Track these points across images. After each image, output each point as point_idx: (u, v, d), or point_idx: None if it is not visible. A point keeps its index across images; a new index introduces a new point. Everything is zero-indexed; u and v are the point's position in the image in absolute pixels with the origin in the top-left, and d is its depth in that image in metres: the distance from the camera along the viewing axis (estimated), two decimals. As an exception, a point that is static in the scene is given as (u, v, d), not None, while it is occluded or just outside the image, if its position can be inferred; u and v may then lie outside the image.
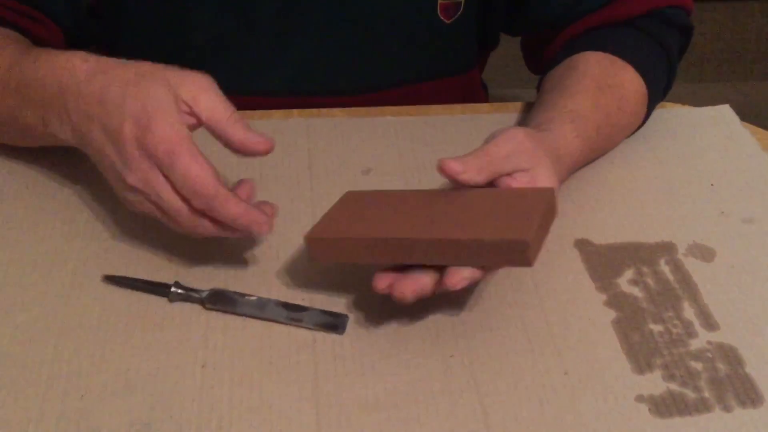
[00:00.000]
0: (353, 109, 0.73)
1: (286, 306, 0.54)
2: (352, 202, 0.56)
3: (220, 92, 0.54)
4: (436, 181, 0.65)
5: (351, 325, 0.54)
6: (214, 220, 0.52)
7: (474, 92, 0.81)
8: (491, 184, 0.54)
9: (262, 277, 0.57)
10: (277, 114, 0.72)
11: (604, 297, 0.56)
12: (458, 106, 0.74)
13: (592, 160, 0.66)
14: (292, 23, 0.70)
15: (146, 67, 0.54)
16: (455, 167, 0.52)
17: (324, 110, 0.73)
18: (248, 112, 0.72)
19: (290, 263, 0.58)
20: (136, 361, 0.51)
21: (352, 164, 0.67)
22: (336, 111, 0.73)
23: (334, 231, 0.52)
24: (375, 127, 0.71)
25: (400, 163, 0.67)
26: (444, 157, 0.53)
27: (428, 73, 0.76)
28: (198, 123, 0.53)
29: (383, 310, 0.55)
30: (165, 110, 0.51)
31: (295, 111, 0.72)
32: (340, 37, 0.71)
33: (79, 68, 0.55)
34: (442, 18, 0.72)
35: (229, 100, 0.73)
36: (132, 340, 0.52)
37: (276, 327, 0.54)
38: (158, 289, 0.55)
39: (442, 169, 0.52)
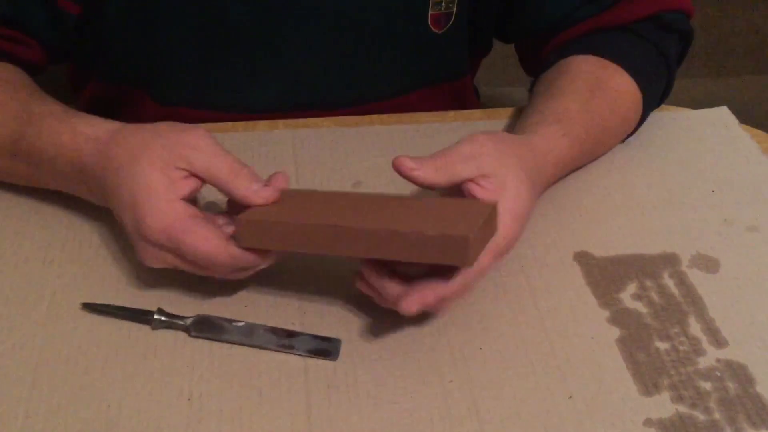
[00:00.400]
0: (341, 118, 0.70)
1: (276, 332, 0.52)
2: (289, 196, 0.53)
3: (214, 145, 0.51)
4: (428, 193, 0.63)
5: (344, 350, 0.51)
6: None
7: (466, 98, 0.79)
8: (454, 189, 0.52)
9: (250, 301, 0.54)
10: (261, 125, 0.69)
11: (606, 313, 0.54)
12: (450, 113, 0.71)
13: (583, 164, 0.64)
14: (278, 37, 0.68)
15: (138, 140, 0.52)
16: (409, 163, 0.51)
17: (311, 120, 0.70)
18: (230, 124, 0.69)
19: (279, 285, 0.55)
20: (117, 395, 0.48)
21: (340, 177, 0.65)
22: (323, 121, 0.70)
23: (268, 215, 0.50)
24: (364, 138, 0.69)
25: (391, 174, 0.65)
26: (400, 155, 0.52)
27: (420, 83, 0.74)
28: (201, 183, 0.52)
29: (378, 333, 0.52)
30: (154, 196, 0.50)
31: (280, 122, 0.70)
32: (330, 49, 0.69)
33: (84, 151, 0.54)
34: (433, 29, 0.69)
35: (214, 117, 0.71)
36: (113, 373, 0.50)
37: (265, 354, 0.51)
38: (140, 316, 0.52)
39: (396, 166, 0.52)
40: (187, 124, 0.53)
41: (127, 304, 0.53)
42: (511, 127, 0.69)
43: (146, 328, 0.52)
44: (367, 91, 0.72)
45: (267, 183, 0.52)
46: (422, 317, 0.52)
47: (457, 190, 0.53)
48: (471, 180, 0.52)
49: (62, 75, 0.81)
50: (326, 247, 0.49)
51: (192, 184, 0.51)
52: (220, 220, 0.52)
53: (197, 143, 0.51)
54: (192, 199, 0.52)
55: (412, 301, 0.47)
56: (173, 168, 0.50)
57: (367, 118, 0.71)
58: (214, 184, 0.51)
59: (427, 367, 0.50)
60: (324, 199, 0.54)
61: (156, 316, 0.52)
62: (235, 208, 0.52)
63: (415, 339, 0.52)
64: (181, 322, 0.52)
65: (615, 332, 0.53)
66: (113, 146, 0.53)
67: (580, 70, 0.65)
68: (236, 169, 0.51)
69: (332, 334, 0.52)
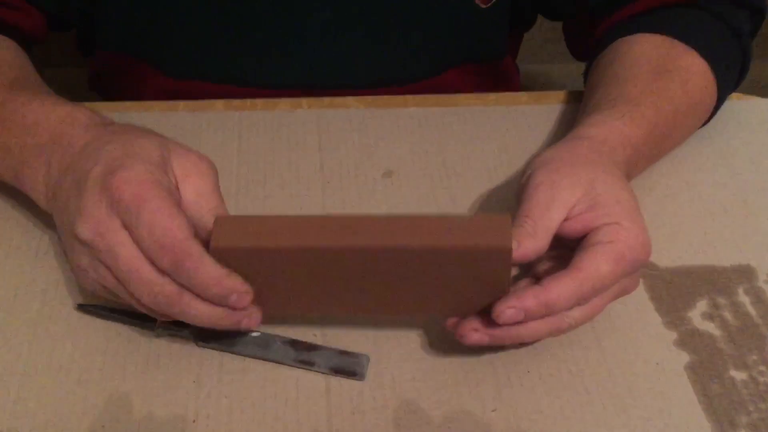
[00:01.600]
0: (371, 98, 0.63)
1: (295, 345, 0.45)
2: (265, 221, 0.42)
3: (216, 183, 0.44)
4: (469, 185, 0.56)
5: (372, 368, 0.45)
6: (182, 290, 0.41)
7: (508, 79, 0.71)
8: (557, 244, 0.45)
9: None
10: (283, 104, 0.62)
11: (674, 335, 0.47)
12: (492, 96, 0.64)
13: (659, 153, 0.56)
14: (304, 5, 0.60)
15: (149, 133, 0.46)
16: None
17: (338, 100, 0.63)
18: (248, 101, 0.62)
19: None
20: (112, 412, 0.42)
21: (370, 165, 0.58)
22: (351, 101, 0.63)
23: (250, 237, 0.41)
24: (396, 121, 0.61)
25: (426, 163, 0.58)
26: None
27: (458, 61, 0.66)
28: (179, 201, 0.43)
29: (411, 349, 0.46)
30: (144, 157, 0.42)
31: (304, 101, 0.63)
32: (361, 22, 0.62)
33: (79, 120, 0.47)
34: (480, 3, 0.62)
35: (229, 92, 0.63)
36: (109, 385, 0.44)
37: (282, 371, 0.45)
38: (142, 321, 0.46)
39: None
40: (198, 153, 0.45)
41: (128, 307, 0.47)
42: (563, 113, 0.62)
43: (148, 334, 0.46)
44: (400, 69, 0.65)
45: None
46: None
47: (559, 243, 0.45)
48: (567, 219, 0.44)
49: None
50: (326, 281, 0.41)
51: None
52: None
53: (202, 168, 0.45)
54: None
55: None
56: (169, 168, 0.44)
57: (400, 99, 0.63)
58: (192, 214, 0.43)
59: (466, 393, 0.44)
60: (312, 221, 0.42)
61: (160, 322, 0.46)
62: None
63: (454, 359, 0.45)
64: (187, 330, 0.46)
65: (684, 358, 0.46)
66: (110, 133, 0.46)
67: (644, 51, 0.57)
68: (209, 212, 0.44)
69: (359, 350, 0.45)
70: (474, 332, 0.42)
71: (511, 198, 0.54)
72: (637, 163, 0.51)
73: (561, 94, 0.64)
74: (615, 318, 0.48)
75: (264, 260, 0.41)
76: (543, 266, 0.46)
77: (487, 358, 0.45)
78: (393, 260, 0.41)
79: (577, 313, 0.43)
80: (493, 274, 0.41)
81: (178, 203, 0.42)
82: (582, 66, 0.63)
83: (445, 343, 0.46)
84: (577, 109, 0.62)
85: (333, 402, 0.43)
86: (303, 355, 0.45)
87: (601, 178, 0.45)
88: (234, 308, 0.41)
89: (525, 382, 0.44)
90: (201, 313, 0.41)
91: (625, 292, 0.45)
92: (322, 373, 0.45)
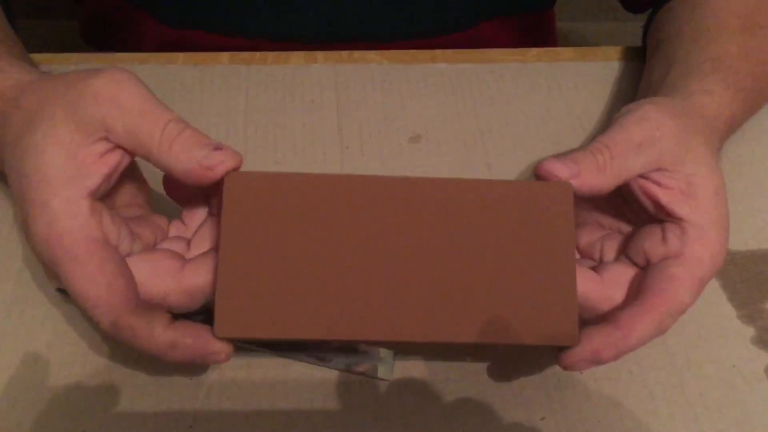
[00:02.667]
0: (396, 52, 0.56)
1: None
2: (256, 218, 0.34)
3: (141, 95, 0.34)
4: (507, 151, 0.49)
5: (398, 367, 0.38)
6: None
7: (549, 34, 0.63)
8: (623, 193, 0.37)
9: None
10: (295, 57, 0.55)
11: (751, 331, 0.40)
12: (532, 51, 0.57)
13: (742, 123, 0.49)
14: None
15: (41, 98, 0.34)
16: (560, 169, 0.35)
17: (357, 53, 0.56)
18: (258, 54, 0.55)
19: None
20: (96, 414, 0.36)
21: (395, 128, 0.51)
22: (373, 55, 0.56)
23: (257, 320, 0.33)
24: (425, 78, 0.54)
25: (459, 126, 0.51)
26: (547, 158, 0.36)
27: (494, 12, 0.58)
28: (128, 157, 0.35)
29: (444, 348, 0.39)
30: (45, 189, 0.32)
31: (319, 54, 0.55)
32: None
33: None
34: None
35: (235, 44, 0.54)
36: (94, 384, 0.37)
37: (293, 368, 0.38)
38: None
39: (542, 175, 0.36)
40: (104, 67, 0.34)
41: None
42: (613, 72, 0.54)
43: (139, 322, 0.40)
44: (428, 19, 0.58)
45: (221, 146, 0.34)
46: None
47: (618, 193, 0.38)
48: (644, 177, 0.37)
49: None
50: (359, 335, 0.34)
51: (112, 160, 0.34)
52: (167, 243, 0.37)
53: (115, 94, 0.33)
54: (127, 186, 0.37)
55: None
56: (84, 140, 0.33)
57: (428, 53, 0.56)
58: (143, 156, 0.34)
59: (511, 398, 0.37)
60: (311, 226, 0.34)
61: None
62: (178, 195, 0.38)
63: (494, 357, 0.39)
64: (200, 316, 0.39)
65: (764, 358, 0.39)
66: (14, 108, 0.35)
67: (729, 2, 0.49)
68: (172, 131, 0.33)
69: (382, 345, 0.39)
70: None
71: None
72: (723, 140, 0.44)
73: (611, 50, 0.57)
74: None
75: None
76: (584, 235, 0.39)
77: (534, 359, 0.39)
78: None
79: None
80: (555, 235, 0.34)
81: (120, 168, 0.34)
82: (625, 24, 0.56)
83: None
84: (630, 68, 0.55)
85: (353, 406, 0.37)
86: (317, 350, 0.39)
87: (707, 160, 0.37)
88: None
89: (578, 385, 0.38)
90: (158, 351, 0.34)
91: None
92: (340, 370, 0.38)
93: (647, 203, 0.37)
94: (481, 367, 0.39)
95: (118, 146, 0.34)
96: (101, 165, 0.33)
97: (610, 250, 0.38)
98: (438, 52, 0.56)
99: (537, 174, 0.36)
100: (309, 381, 0.38)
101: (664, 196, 0.36)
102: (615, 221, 0.39)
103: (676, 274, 0.35)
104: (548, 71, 0.55)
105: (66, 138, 0.33)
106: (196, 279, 0.34)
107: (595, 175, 0.35)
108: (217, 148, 0.34)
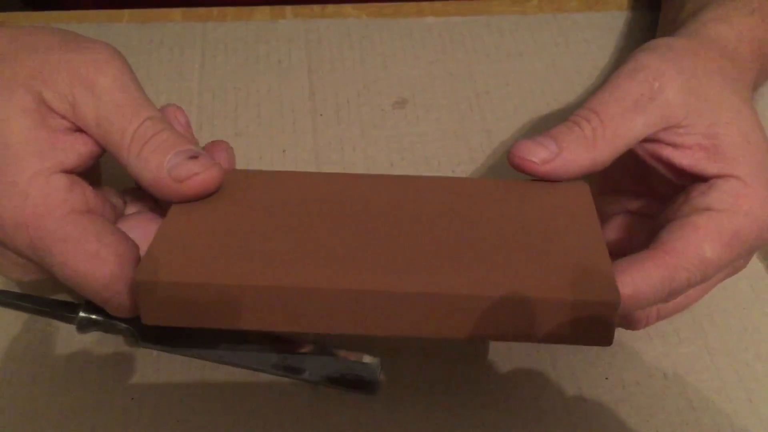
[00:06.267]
0: (376, 5, 0.49)
1: (277, 344, 0.32)
2: (221, 200, 0.29)
3: (122, 81, 0.28)
4: (508, 116, 0.42)
5: (385, 377, 0.32)
6: None
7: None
8: (623, 161, 0.30)
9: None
10: (260, 13, 0.48)
11: (806, 323, 0.34)
12: (534, 1, 0.49)
13: None
14: None
15: (7, 51, 0.29)
16: (537, 152, 0.29)
17: (331, 8, 0.48)
18: (215, 10, 0.48)
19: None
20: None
21: (376, 92, 0.44)
22: (349, 9, 0.48)
23: (194, 268, 0.26)
24: (410, 35, 0.47)
25: (451, 88, 0.44)
26: (519, 140, 0.29)
27: None
28: (96, 148, 0.29)
29: (438, 347, 0.32)
30: (13, 162, 0.27)
31: (288, 9, 0.48)
32: None
33: None
34: None
35: None
36: (12, 404, 0.31)
37: (259, 381, 0.32)
38: (60, 311, 0.33)
39: (515, 162, 0.29)
40: (93, 41, 0.30)
41: (41, 292, 0.34)
42: (626, 23, 0.48)
43: (69, 329, 0.33)
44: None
45: (198, 155, 0.28)
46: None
47: (625, 163, 0.31)
48: (653, 140, 0.30)
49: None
50: (309, 325, 0.26)
51: (86, 144, 0.29)
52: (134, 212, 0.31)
53: (93, 77, 0.28)
54: (93, 173, 0.31)
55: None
56: (52, 108, 0.28)
57: (414, 5, 0.49)
58: (112, 154, 0.29)
59: (522, 411, 0.31)
60: (308, 206, 0.29)
61: (83, 313, 0.32)
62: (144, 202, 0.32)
63: (498, 361, 0.32)
64: (124, 324, 0.32)
65: (823, 356, 0.33)
66: None
67: None
68: (147, 130, 0.28)
69: (365, 351, 0.32)
70: None
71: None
72: (764, 75, 0.37)
73: (623, -2, 0.50)
74: (722, 299, 0.34)
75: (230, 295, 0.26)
76: (612, 231, 0.32)
77: (546, 356, 0.32)
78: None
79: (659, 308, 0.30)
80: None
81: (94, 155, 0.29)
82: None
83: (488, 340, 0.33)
84: (646, 17, 0.48)
85: (331, 425, 0.30)
86: (288, 359, 0.32)
87: (730, 103, 0.30)
88: None
89: (603, 393, 0.31)
90: None
91: (733, 272, 0.31)
92: (315, 384, 0.31)
93: (664, 171, 0.30)
94: (483, 373, 0.32)
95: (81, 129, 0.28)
96: (77, 142, 0.28)
97: (640, 239, 0.31)
98: (425, 3, 0.49)
99: (511, 163, 0.29)
100: (277, 398, 0.31)
101: (683, 159, 0.29)
102: (644, 201, 0.32)
103: (697, 223, 0.28)
104: (552, 23, 0.48)
105: (31, 104, 0.28)
106: None
107: (583, 149, 0.28)
108: (193, 156, 0.28)
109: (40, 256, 0.27)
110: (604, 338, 0.26)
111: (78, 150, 0.28)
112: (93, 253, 0.27)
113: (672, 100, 0.29)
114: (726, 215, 0.28)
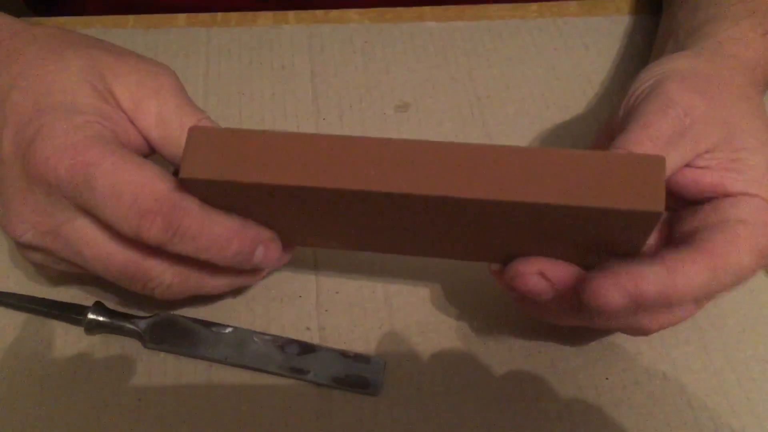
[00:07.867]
0: (378, 10, 0.49)
1: (282, 344, 0.33)
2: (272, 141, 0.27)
3: (182, 95, 0.32)
4: (509, 120, 0.43)
5: (389, 377, 0.32)
6: (178, 260, 0.30)
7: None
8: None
9: (240, 294, 0.35)
10: (263, 18, 0.48)
11: (802, 323, 0.34)
12: (533, 6, 0.50)
13: None
14: None
15: (71, 47, 0.32)
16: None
17: (334, 13, 0.49)
18: (219, 15, 0.48)
19: (288, 267, 0.36)
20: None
21: (378, 97, 0.44)
22: (352, 14, 0.49)
23: (237, 167, 0.26)
24: (412, 40, 0.48)
25: (452, 93, 0.44)
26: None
27: None
28: (144, 145, 0.31)
29: (444, 347, 0.33)
30: (67, 106, 0.29)
31: (290, 14, 0.49)
32: None
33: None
34: None
35: (192, 3, 0.48)
36: (18, 406, 0.31)
37: (265, 382, 0.32)
38: (67, 312, 0.33)
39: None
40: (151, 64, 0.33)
41: (50, 294, 0.34)
42: (626, 27, 0.48)
43: (77, 330, 0.33)
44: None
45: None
46: (517, 326, 0.33)
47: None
48: (700, 167, 0.30)
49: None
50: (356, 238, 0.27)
51: (136, 139, 0.31)
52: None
53: (159, 82, 0.31)
54: None
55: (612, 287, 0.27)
56: (119, 102, 0.31)
57: (415, 11, 0.49)
58: (161, 149, 0.31)
59: (522, 411, 0.31)
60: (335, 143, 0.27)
61: (91, 315, 0.33)
62: None
63: (502, 361, 0.33)
64: (131, 326, 0.33)
65: (819, 356, 0.33)
66: (28, 42, 0.32)
67: None
68: (204, 124, 0.31)
69: (370, 351, 0.33)
70: (536, 278, 0.29)
71: (566, 137, 0.41)
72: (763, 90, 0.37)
73: (622, 3, 0.50)
74: (722, 302, 0.35)
75: (260, 195, 0.27)
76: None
77: (546, 357, 0.33)
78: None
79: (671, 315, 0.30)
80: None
81: (141, 151, 0.31)
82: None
83: (491, 337, 0.33)
84: (646, 21, 0.48)
85: (335, 425, 0.31)
86: (293, 359, 0.32)
87: (756, 129, 0.30)
88: (259, 268, 0.31)
89: (603, 393, 0.32)
90: (218, 287, 0.32)
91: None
92: (320, 384, 0.32)
93: (686, 192, 0.30)
94: (488, 375, 0.32)
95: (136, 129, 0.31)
96: (129, 134, 0.31)
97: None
98: (426, 9, 0.49)
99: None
100: (283, 398, 0.32)
101: (705, 176, 0.30)
102: None
103: (738, 231, 0.28)
104: (552, 28, 0.49)
105: (102, 90, 0.30)
106: None
107: None
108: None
109: (84, 194, 0.28)
110: (653, 201, 0.25)
111: (128, 138, 0.30)
112: (140, 163, 0.28)
113: (702, 134, 0.30)
114: (759, 228, 0.29)
